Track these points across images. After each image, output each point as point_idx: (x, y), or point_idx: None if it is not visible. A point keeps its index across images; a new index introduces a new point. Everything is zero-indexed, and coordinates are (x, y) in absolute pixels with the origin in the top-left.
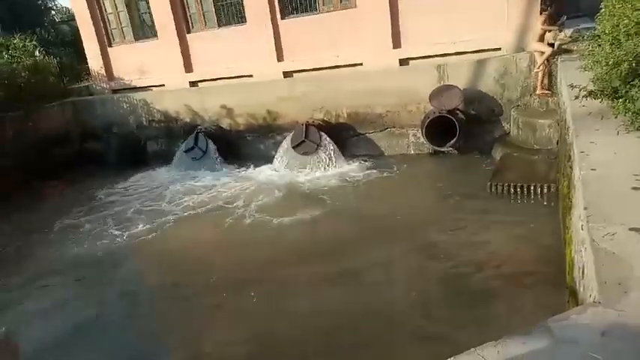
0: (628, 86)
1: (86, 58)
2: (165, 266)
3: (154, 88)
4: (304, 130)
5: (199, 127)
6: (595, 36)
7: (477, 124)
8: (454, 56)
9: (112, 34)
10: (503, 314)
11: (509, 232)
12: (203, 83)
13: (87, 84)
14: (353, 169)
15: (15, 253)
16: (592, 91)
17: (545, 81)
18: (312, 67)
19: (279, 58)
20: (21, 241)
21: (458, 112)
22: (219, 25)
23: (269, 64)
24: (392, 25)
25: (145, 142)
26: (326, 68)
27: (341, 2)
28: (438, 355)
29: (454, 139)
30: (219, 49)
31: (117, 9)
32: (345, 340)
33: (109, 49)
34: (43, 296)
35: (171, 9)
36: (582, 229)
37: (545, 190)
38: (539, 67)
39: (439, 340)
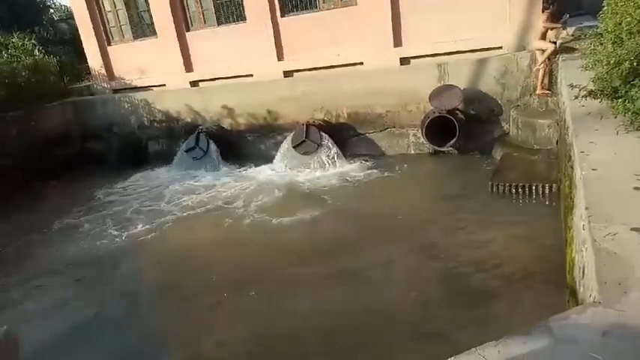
0: (628, 86)
1: (86, 57)
2: (165, 266)
3: (154, 88)
4: (305, 130)
5: (200, 127)
6: (597, 34)
7: (477, 124)
8: (455, 55)
9: (110, 32)
10: (503, 314)
11: (509, 232)
12: (203, 83)
13: (88, 84)
14: (353, 168)
15: (15, 253)
16: (592, 90)
17: (546, 80)
18: (312, 66)
19: (279, 56)
20: (21, 241)
21: (458, 112)
22: (219, 24)
23: (269, 63)
24: (393, 23)
25: (147, 142)
26: (326, 67)
27: (341, 0)
28: (438, 355)
29: (454, 139)
30: (218, 48)
31: (115, 7)
32: (345, 340)
33: (108, 48)
34: (43, 296)
35: (171, 7)
36: (583, 229)
37: (547, 190)
38: (540, 65)
39: (439, 340)
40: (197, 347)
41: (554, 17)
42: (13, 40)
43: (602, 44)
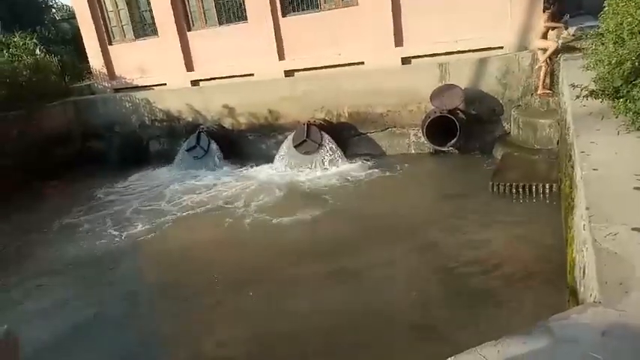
0: (630, 86)
1: (87, 57)
2: (165, 266)
3: (155, 87)
4: (306, 129)
5: (201, 126)
6: (599, 34)
7: (478, 123)
8: (456, 55)
9: (112, 32)
10: (503, 314)
11: (510, 232)
12: (204, 82)
13: (89, 83)
14: (354, 168)
15: (15, 253)
16: (593, 90)
17: (547, 80)
18: (313, 66)
19: (281, 56)
20: (21, 241)
21: (459, 111)
22: (220, 23)
23: (270, 63)
24: (394, 22)
25: (148, 142)
26: (327, 67)
27: (342, 0)
28: (438, 355)
29: (455, 139)
30: (220, 47)
31: (117, 6)
32: (345, 340)
33: (109, 47)
34: (43, 296)
35: (172, 6)
36: (584, 229)
37: (547, 190)
38: (542, 63)
39: (439, 340)
40: (197, 347)
41: (555, 17)
42: (15, 40)
43: (603, 44)
